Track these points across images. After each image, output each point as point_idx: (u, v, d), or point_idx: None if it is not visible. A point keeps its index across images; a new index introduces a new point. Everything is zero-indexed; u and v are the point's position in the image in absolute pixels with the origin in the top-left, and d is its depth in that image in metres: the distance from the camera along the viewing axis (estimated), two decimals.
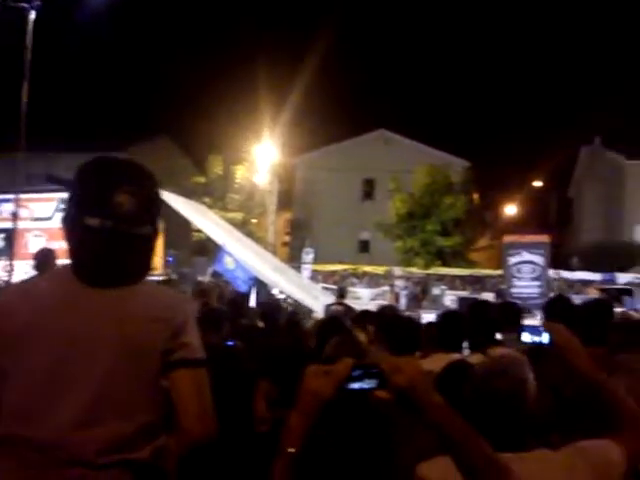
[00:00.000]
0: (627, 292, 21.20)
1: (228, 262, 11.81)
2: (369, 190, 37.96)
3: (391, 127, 36.88)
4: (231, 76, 52.21)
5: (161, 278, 13.23)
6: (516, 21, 62.73)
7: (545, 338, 2.20)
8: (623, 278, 26.59)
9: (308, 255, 25.99)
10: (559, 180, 40.93)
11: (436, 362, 3.27)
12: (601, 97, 58.61)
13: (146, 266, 1.95)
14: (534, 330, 4.32)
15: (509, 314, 4.71)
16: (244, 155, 32.17)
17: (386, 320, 4.74)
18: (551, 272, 22.69)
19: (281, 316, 6.97)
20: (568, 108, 53.11)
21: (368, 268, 30.05)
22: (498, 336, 4.24)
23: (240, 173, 32.60)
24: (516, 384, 1.83)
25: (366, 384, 1.51)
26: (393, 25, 58.65)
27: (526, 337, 4.38)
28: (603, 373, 2.01)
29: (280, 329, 5.96)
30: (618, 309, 13.59)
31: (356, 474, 1.98)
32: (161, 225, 2.07)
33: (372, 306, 10.37)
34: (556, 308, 4.18)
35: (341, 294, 10.74)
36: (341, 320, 5.30)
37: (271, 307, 7.70)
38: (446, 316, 4.38)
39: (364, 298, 23.72)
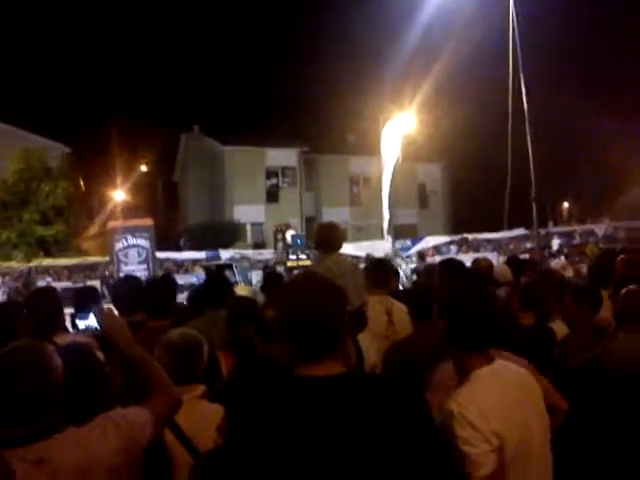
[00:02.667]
0: (228, 267, 22.80)
1: None
2: None
3: None
4: None
5: None
6: (126, 12, 61.58)
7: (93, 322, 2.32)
8: (226, 254, 28.72)
9: None
10: (164, 165, 42.06)
11: None
12: (198, 88, 62.05)
13: None
14: (84, 316, 4.13)
15: (82, 298, 4.71)
16: None
17: None
18: (159, 254, 23.16)
19: None
20: (168, 97, 54.87)
21: None
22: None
23: None
24: (33, 372, 1.83)
25: None
26: None
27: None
28: (140, 348, 2.20)
29: None
30: None
31: None
32: None
33: None
34: (118, 290, 4.15)
35: None
36: None
37: None
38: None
39: None
